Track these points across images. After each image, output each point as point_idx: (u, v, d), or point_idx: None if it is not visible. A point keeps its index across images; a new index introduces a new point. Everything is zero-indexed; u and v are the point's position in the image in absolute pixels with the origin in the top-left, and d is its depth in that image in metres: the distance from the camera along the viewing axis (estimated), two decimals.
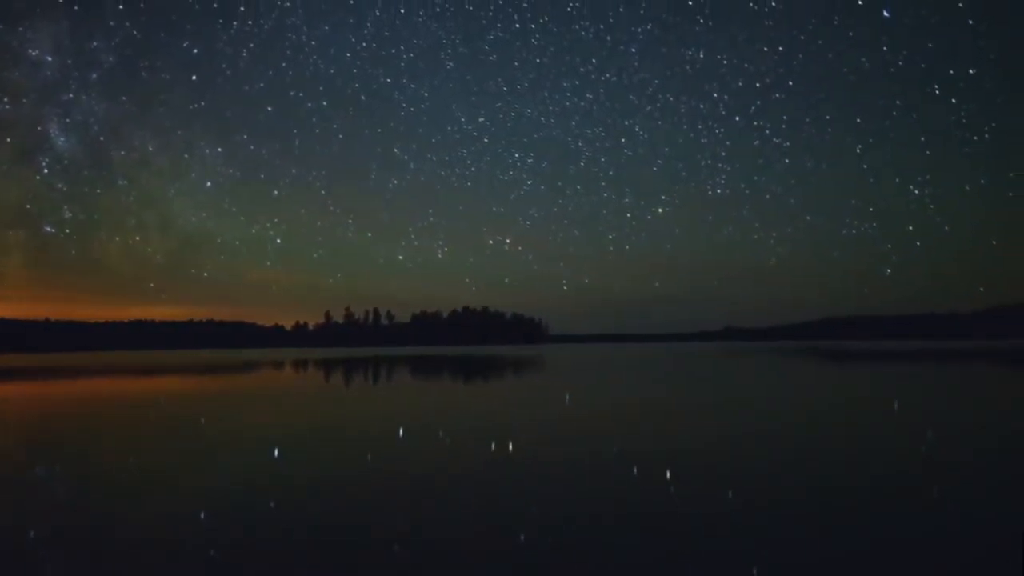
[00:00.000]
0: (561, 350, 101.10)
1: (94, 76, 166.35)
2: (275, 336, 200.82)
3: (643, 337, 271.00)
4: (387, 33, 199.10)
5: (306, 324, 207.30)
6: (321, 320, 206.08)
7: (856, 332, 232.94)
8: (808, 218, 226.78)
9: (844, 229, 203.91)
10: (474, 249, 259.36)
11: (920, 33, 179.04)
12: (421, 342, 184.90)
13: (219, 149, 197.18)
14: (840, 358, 49.60)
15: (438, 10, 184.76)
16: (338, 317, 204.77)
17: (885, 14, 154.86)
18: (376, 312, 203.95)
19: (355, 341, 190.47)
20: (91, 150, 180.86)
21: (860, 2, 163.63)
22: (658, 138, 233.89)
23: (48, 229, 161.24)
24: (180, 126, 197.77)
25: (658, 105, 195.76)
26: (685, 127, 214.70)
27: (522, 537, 5.27)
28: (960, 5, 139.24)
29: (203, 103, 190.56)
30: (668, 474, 7.59)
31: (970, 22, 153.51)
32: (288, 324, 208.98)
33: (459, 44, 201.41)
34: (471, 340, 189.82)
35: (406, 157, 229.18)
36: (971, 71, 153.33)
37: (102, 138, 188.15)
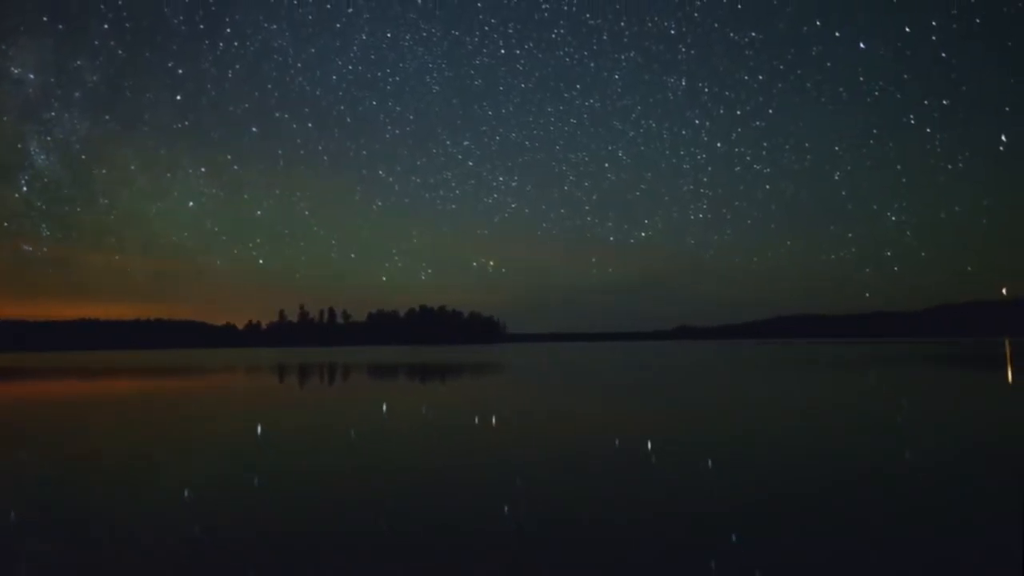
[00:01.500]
0: (517, 350, 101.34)
1: (77, 94, 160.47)
2: (226, 336, 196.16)
3: (603, 336, 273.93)
4: (373, 56, 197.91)
5: (259, 323, 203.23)
6: (275, 319, 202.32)
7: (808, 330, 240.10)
8: (788, 243, 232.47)
9: (823, 254, 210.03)
10: (459, 271, 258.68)
11: (895, 65, 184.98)
12: (377, 342, 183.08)
13: (202, 169, 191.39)
14: (809, 360, 51.00)
15: (424, 35, 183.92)
16: (293, 316, 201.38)
17: (861, 46, 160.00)
18: (332, 311, 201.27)
19: (310, 341, 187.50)
20: (72, 168, 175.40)
21: (837, 34, 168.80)
22: (641, 163, 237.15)
23: (26, 248, 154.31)
24: (163, 145, 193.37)
25: (641, 131, 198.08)
26: (668, 152, 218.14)
27: None
28: (933, 39, 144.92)
29: (187, 123, 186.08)
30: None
31: (943, 55, 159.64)
32: (240, 323, 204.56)
33: (445, 68, 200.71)
34: (428, 339, 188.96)
35: (391, 179, 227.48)
36: (944, 102, 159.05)
37: (83, 156, 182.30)
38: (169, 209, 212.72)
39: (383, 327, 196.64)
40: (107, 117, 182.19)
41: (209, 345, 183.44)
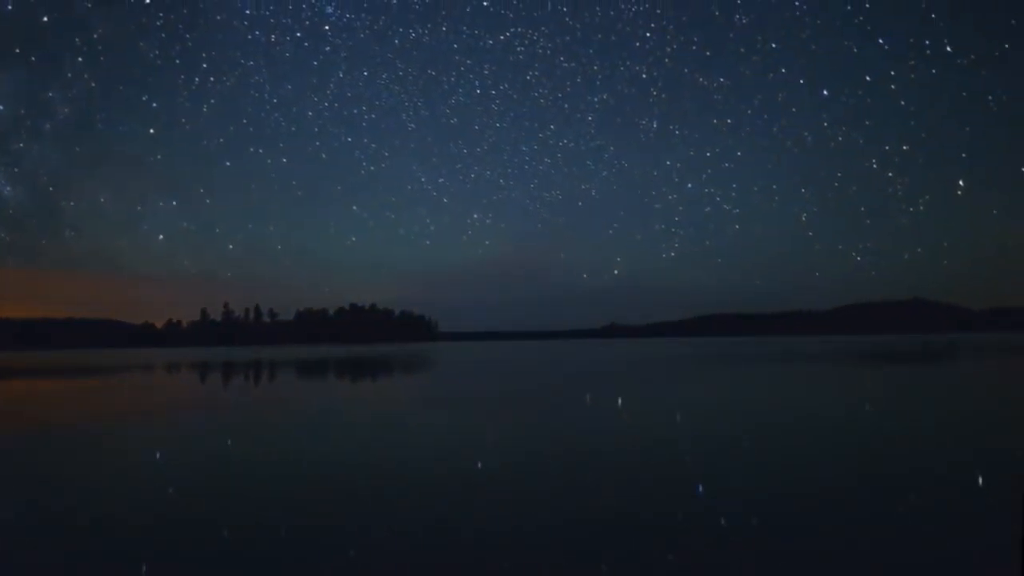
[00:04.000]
0: (447, 348, 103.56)
1: (47, 126, 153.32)
2: (143, 335, 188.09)
3: (535, 335, 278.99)
4: (350, 94, 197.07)
5: (179, 322, 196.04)
6: (197, 318, 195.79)
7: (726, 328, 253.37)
8: (758, 282, 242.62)
9: (792, 294, 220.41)
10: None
11: (857, 111, 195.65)
12: (306, 341, 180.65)
13: (174, 202, 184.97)
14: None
15: (401, 73, 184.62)
16: (216, 315, 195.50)
17: (824, 93, 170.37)
18: (257, 309, 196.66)
19: (234, 340, 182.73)
20: (39, 200, 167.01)
21: (801, 81, 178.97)
22: (613, 202, 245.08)
23: None
24: (134, 178, 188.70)
25: (614, 171, 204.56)
26: (639, 192, 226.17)
27: None
28: (892, 87, 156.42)
29: (160, 156, 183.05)
30: None
31: (902, 103, 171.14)
32: (159, 322, 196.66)
33: (421, 107, 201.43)
34: (358, 338, 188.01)
35: (365, 215, 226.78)
36: (904, 147, 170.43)
37: (51, 188, 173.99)
38: (138, 241, 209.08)
39: (312, 326, 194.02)
40: (77, 149, 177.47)
41: (125, 345, 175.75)
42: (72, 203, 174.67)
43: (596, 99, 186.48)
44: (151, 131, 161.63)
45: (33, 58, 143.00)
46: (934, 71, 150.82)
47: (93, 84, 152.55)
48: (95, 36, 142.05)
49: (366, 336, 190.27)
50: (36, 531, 5.86)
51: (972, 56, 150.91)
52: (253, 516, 6.10)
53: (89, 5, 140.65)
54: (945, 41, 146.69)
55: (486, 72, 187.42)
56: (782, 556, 4.81)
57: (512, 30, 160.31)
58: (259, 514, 6.16)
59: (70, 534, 5.68)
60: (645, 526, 5.63)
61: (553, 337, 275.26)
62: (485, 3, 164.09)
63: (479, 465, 8.41)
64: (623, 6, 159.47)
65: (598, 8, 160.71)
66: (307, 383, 26.67)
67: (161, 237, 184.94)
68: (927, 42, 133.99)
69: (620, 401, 16.64)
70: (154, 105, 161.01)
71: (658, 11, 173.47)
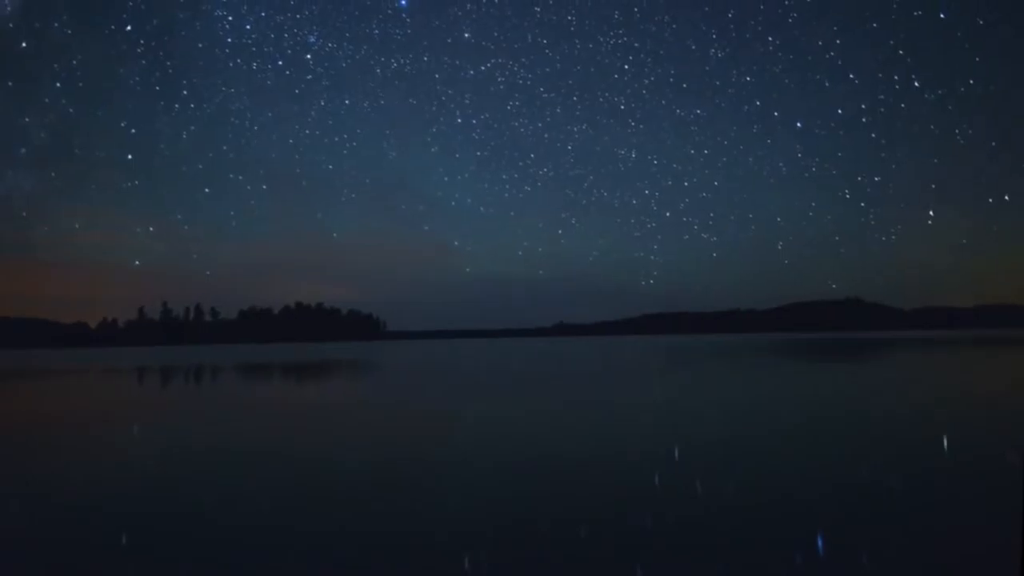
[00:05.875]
0: (395, 347, 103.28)
1: (23, 151, 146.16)
2: (76, 335, 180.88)
3: (482, 332, 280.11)
4: (331, 122, 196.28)
5: (115, 321, 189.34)
6: (134, 317, 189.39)
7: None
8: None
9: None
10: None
11: (831, 143, 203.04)
12: (250, 340, 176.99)
13: (151, 228, 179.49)
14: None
15: (382, 103, 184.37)
16: (154, 314, 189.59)
17: (798, 125, 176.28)
18: (199, 308, 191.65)
19: (173, 340, 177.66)
20: (12, 225, 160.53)
21: (776, 113, 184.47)
22: (593, 230, 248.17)
23: None
24: (111, 203, 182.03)
25: (593, 199, 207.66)
26: (618, 221, 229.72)
27: None
28: (864, 120, 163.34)
29: (138, 182, 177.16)
30: None
31: (873, 135, 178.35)
32: (93, 322, 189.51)
33: (402, 135, 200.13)
34: (305, 337, 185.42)
35: (344, 243, 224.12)
36: (876, 178, 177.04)
37: (24, 214, 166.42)
38: (114, 266, 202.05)
39: (256, 325, 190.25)
40: (53, 174, 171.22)
41: (54, 346, 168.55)
42: (46, 228, 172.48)
43: (575, 129, 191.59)
44: (129, 157, 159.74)
45: (10, 83, 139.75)
46: (903, 105, 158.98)
47: (71, 110, 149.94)
48: (74, 62, 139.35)
49: (312, 335, 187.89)
50: None
51: (939, 91, 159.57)
52: None
53: (69, 32, 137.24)
54: (913, 77, 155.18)
55: (467, 102, 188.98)
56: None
57: (493, 61, 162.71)
58: None
59: None
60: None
61: (505, 335, 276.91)
62: (467, 34, 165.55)
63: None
64: (602, 39, 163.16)
65: (577, 41, 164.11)
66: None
67: (137, 263, 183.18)
68: (896, 77, 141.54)
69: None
70: (133, 131, 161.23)
71: (636, 45, 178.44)
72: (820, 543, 4.87)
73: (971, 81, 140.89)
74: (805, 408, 13.33)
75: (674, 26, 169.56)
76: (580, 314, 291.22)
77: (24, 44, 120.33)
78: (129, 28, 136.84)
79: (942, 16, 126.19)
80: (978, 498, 6.02)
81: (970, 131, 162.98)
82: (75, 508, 6.26)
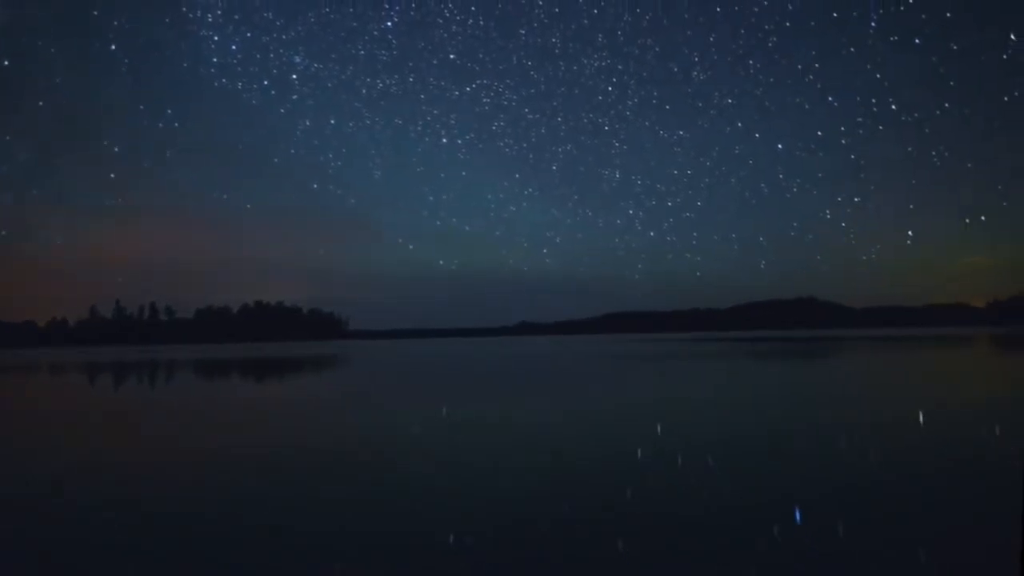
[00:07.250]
0: (356, 346, 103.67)
1: (4, 169, 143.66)
2: (22, 335, 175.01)
3: (445, 332, 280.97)
4: (316, 142, 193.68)
5: (65, 320, 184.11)
6: (85, 316, 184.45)
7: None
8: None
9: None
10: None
11: (810, 163, 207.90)
12: (207, 340, 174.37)
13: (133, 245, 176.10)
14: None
15: (368, 122, 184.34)
16: (107, 312, 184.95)
17: (779, 146, 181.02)
18: (153, 307, 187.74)
19: (127, 339, 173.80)
20: None
21: (757, 135, 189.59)
22: (578, 250, 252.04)
23: None
24: (93, 222, 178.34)
25: (578, 219, 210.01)
26: (603, 240, 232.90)
27: None
28: (843, 142, 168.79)
29: (121, 200, 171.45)
30: None
31: (852, 156, 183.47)
32: (42, 321, 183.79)
33: (388, 154, 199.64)
34: (264, 336, 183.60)
35: (330, 262, 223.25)
36: (856, 199, 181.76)
37: (3, 232, 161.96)
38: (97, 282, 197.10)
39: (214, 324, 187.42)
40: (35, 192, 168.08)
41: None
42: (33, 244, 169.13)
43: (560, 150, 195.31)
44: (112, 176, 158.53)
45: None
46: (881, 127, 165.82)
47: (54, 127, 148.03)
48: (58, 81, 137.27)
49: (272, 334, 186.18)
50: None
51: (916, 114, 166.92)
52: None
53: (52, 50, 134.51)
54: (890, 100, 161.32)
55: (452, 122, 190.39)
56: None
57: (478, 82, 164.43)
58: None
59: None
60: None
61: (467, 335, 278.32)
62: (452, 55, 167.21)
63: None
64: (585, 61, 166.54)
65: (562, 63, 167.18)
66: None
67: (120, 280, 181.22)
68: (873, 100, 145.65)
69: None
70: (116, 149, 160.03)
71: (620, 67, 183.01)
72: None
73: (946, 104, 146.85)
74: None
75: (657, 49, 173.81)
76: (549, 321, 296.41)
77: (6, 62, 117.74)
78: (114, 47, 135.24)
79: (917, 41, 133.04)
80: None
81: (946, 153, 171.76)
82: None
